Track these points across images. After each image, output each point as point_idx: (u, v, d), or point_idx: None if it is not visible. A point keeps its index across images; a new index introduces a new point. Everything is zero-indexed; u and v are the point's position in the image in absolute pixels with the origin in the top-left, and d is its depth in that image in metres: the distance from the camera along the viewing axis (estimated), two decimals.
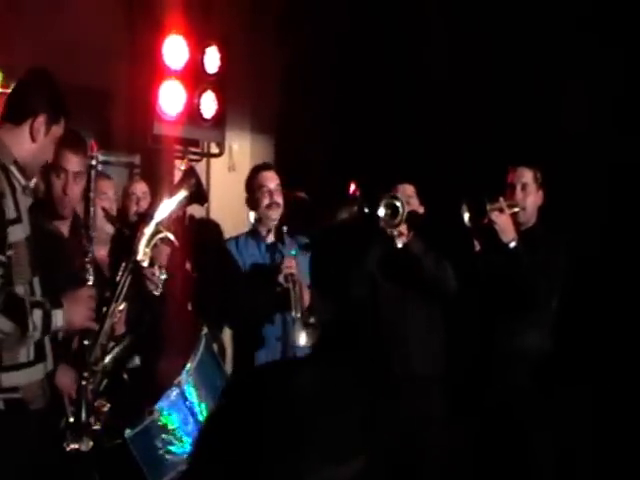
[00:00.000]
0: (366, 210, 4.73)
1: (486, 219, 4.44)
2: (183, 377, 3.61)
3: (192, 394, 3.62)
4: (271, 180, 4.62)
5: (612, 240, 5.18)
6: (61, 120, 3.15)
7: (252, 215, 4.84)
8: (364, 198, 4.81)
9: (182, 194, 4.63)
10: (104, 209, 4.13)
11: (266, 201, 4.58)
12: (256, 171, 4.73)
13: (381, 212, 4.54)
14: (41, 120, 3.07)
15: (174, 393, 3.57)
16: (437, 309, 4.75)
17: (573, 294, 4.60)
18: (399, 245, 4.61)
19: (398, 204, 4.53)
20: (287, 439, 1.06)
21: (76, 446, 3.17)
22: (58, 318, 2.95)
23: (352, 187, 4.82)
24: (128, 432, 3.42)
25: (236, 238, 4.73)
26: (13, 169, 3.00)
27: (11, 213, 2.92)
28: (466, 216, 4.48)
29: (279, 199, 4.60)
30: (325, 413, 1.08)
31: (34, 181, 3.43)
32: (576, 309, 4.77)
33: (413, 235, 4.60)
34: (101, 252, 3.95)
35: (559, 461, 4.53)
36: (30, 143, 3.07)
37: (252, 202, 4.68)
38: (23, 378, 2.97)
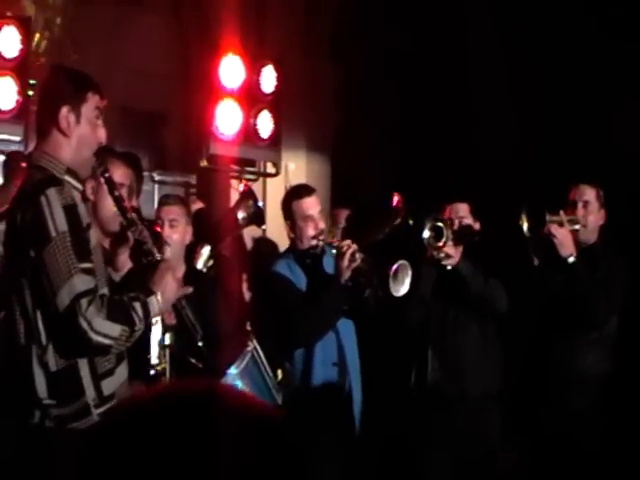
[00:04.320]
0: (410, 222, 4.64)
1: (545, 230, 4.34)
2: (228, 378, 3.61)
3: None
4: (314, 207, 4.28)
5: None
6: (87, 96, 2.89)
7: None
8: (409, 212, 4.71)
9: (240, 215, 4.65)
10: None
11: (312, 232, 4.25)
12: (297, 197, 4.30)
13: (425, 234, 4.42)
14: (64, 113, 2.86)
15: None
16: (491, 326, 4.66)
17: (633, 314, 4.49)
18: (448, 267, 4.46)
19: (441, 225, 4.40)
20: None
21: None
22: (154, 305, 2.91)
23: (395, 199, 4.72)
24: None
25: (285, 261, 4.35)
26: (68, 178, 2.88)
27: (85, 219, 2.84)
28: (525, 225, 4.39)
29: (323, 224, 4.31)
30: None
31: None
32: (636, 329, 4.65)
33: (462, 256, 4.46)
34: None
35: None
36: (67, 141, 2.88)
37: (295, 230, 4.30)
38: (116, 382, 2.90)
